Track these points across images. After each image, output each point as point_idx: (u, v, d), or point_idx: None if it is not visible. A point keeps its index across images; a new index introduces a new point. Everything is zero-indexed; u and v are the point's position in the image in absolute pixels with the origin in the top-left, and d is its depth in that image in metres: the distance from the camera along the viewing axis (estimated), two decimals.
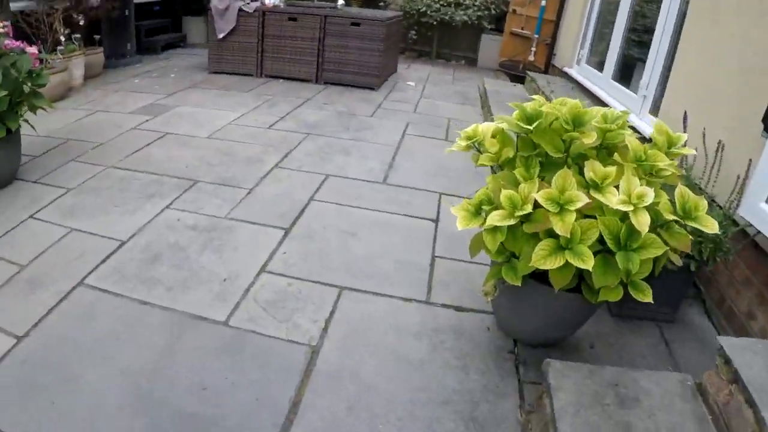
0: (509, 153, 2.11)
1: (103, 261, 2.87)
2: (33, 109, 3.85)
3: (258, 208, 3.53)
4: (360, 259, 3.02)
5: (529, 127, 2.00)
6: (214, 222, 3.33)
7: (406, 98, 6.65)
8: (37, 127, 4.07)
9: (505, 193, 1.92)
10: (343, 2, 7.58)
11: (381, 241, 3.20)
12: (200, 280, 2.73)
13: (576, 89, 5.95)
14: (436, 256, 3.09)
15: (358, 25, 6.76)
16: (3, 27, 3.78)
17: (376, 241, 3.19)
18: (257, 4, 7.04)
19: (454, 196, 3.78)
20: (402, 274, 2.90)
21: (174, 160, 4.21)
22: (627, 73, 5.07)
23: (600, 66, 5.70)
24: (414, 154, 4.63)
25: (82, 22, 6.86)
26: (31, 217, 3.35)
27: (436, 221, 3.45)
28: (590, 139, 1.99)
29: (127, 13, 7.86)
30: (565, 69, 6.86)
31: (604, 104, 4.98)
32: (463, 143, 2.16)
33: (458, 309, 2.61)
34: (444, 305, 2.64)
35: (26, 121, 3.91)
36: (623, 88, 4.88)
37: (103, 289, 2.63)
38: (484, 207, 2.01)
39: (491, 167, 2.23)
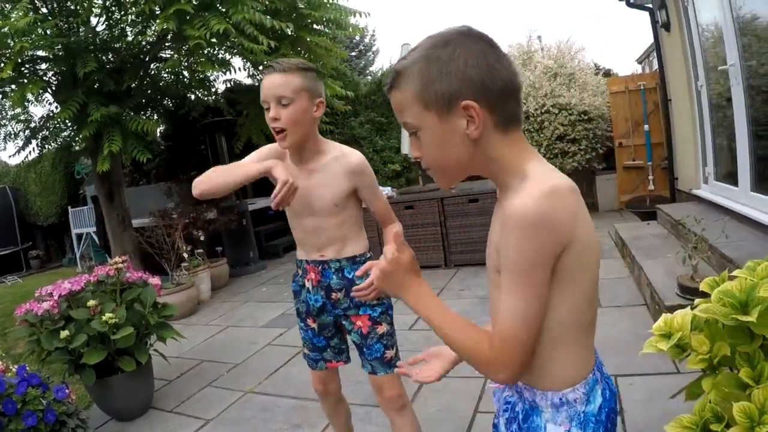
0: (725, 350, 1.72)
1: None
2: (162, 339, 3.82)
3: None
4: None
5: (749, 318, 1.63)
6: None
7: None
8: (168, 347, 4.00)
9: (739, 407, 1.52)
10: None
11: None
12: None
13: (709, 210, 5.45)
14: None
15: (476, 201, 6.60)
16: (122, 262, 3.86)
17: None
18: None
19: (631, 375, 3.17)
20: None
21: None
22: None
23: (732, 179, 5.15)
24: None
25: (202, 238, 7.23)
26: None
27: (621, 413, 2.79)
28: None
29: (244, 222, 8.27)
30: (694, 191, 6.33)
31: (748, 220, 4.44)
32: (663, 345, 1.79)
33: None
34: None
35: (156, 351, 3.87)
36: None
37: None
38: (713, 428, 1.61)
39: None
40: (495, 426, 1.43)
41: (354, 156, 2.14)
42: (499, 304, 1.09)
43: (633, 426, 2.70)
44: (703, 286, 1.88)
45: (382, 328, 2.25)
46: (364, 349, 2.27)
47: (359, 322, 2.24)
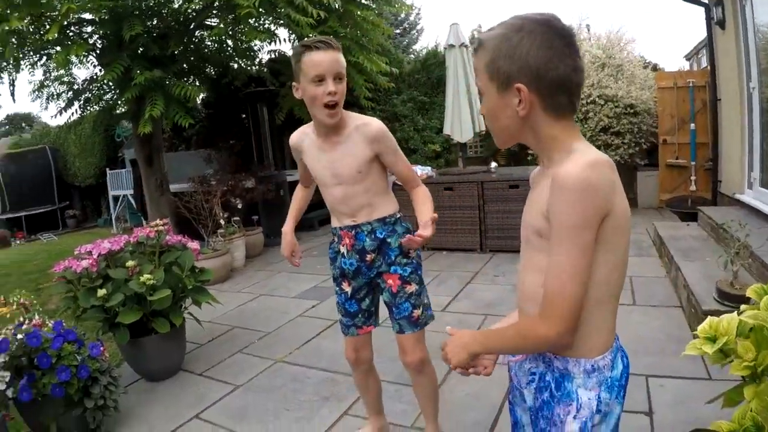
0: None
1: None
2: (197, 303, 3.88)
3: (448, 414, 2.92)
4: None
5: None
6: None
7: None
8: (201, 312, 4.05)
9: None
10: (496, 164, 7.48)
11: None
12: None
13: (751, 216, 5.31)
14: None
15: (516, 187, 6.45)
16: (163, 224, 3.92)
17: None
18: None
19: (663, 377, 3.10)
20: None
21: None
22: None
23: None
24: None
25: (240, 206, 7.30)
26: (197, 416, 3.21)
27: (650, 414, 2.75)
28: None
29: (282, 192, 8.30)
30: (737, 195, 6.19)
31: None
32: (708, 348, 1.75)
33: None
34: None
35: (191, 314, 3.94)
36: None
37: None
38: None
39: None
40: (511, 403, 1.51)
41: (374, 124, 2.26)
42: (549, 265, 1.17)
43: (660, 428, 2.65)
44: (749, 293, 1.84)
45: (411, 288, 2.38)
46: (393, 309, 2.41)
47: (390, 281, 2.38)
